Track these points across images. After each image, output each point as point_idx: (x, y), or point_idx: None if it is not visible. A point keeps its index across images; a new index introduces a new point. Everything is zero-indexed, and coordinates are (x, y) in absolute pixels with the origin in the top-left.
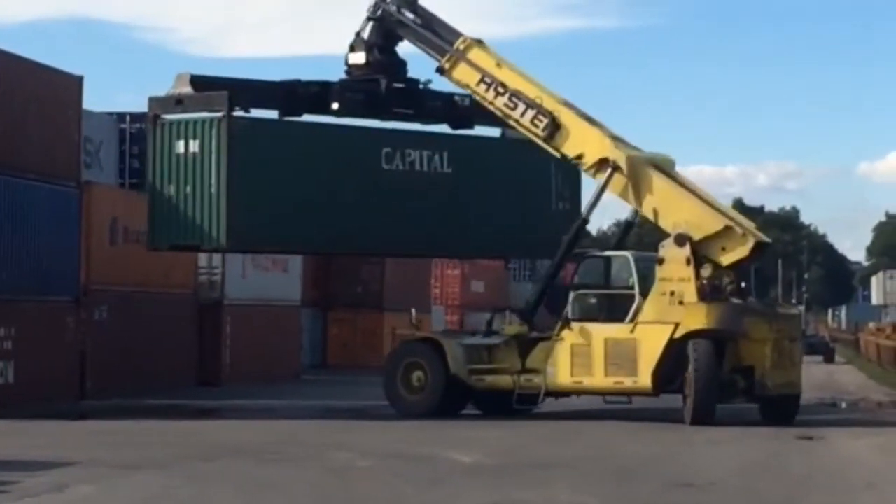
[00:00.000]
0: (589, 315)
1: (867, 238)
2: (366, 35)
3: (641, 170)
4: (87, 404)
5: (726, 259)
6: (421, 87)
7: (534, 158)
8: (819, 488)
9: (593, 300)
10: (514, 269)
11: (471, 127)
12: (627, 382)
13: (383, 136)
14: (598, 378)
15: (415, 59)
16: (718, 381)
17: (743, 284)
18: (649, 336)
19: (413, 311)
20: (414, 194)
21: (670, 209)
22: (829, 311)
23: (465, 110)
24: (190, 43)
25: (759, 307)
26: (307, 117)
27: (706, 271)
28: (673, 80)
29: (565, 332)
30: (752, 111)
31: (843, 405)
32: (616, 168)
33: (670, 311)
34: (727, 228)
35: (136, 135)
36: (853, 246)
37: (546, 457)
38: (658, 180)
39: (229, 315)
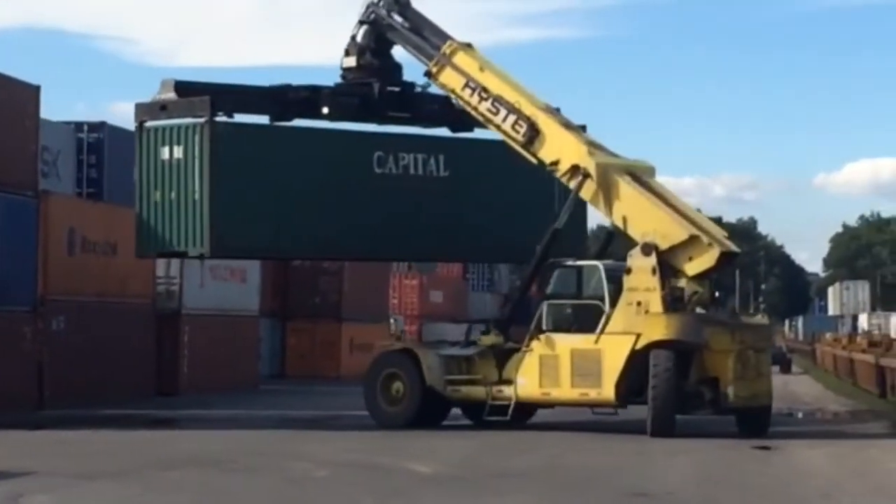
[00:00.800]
0: (561, 326)
1: (824, 249)
2: (359, 38)
3: (612, 177)
4: (45, 414)
5: (692, 269)
6: (418, 90)
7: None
8: (775, 498)
9: (566, 311)
10: (473, 279)
11: (470, 130)
12: (592, 394)
13: (375, 139)
14: (565, 389)
15: (413, 62)
16: (682, 393)
17: (717, 294)
18: (613, 347)
19: (393, 320)
20: (408, 198)
21: (639, 218)
22: (786, 322)
23: (463, 113)
24: (148, 53)
25: (723, 318)
26: (297, 122)
27: (680, 282)
28: (633, 91)
29: (534, 343)
30: (710, 123)
31: (800, 415)
32: (586, 175)
33: (636, 321)
34: (693, 238)
35: (94, 144)
36: (810, 257)
37: (504, 467)
38: (627, 188)
39: (187, 325)
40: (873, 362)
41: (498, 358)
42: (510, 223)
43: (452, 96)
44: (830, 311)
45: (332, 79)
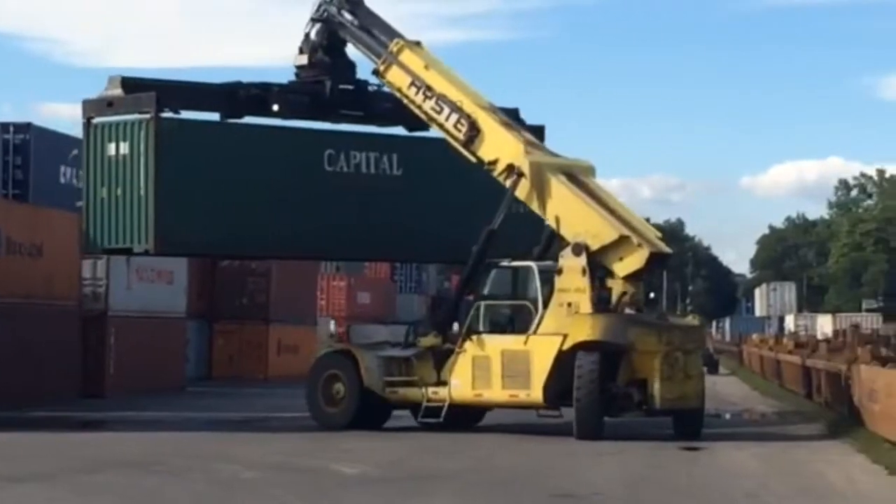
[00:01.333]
0: (496, 327)
1: (751, 251)
2: (312, 36)
3: (545, 176)
4: None
5: (622, 269)
6: (372, 89)
7: None
8: (701, 499)
9: (498, 312)
10: (401, 280)
11: (426, 129)
12: (521, 395)
13: (326, 137)
14: (496, 391)
15: (366, 61)
16: (609, 394)
17: (651, 295)
18: (541, 348)
19: (332, 322)
20: (359, 197)
21: (570, 218)
22: (714, 323)
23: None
24: (76, 54)
25: (650, 319)
26: (248, 119)
27: (612, 282)
28: (559, 93)
29: (467, 344)
30: (637, 125)
31: (728, 416)
32: (520, 174)
33: (566, 322)
34: (623, 238)
35: (20, 145)
36: (737, 258)
37: (431, 468)
38: (560, 188)
39: (113, 326)
40: (799, 363)
41: (436, 359)
42: (465, 223)
43: (399, 95)
44: (757, 313)
45: (255, 79)
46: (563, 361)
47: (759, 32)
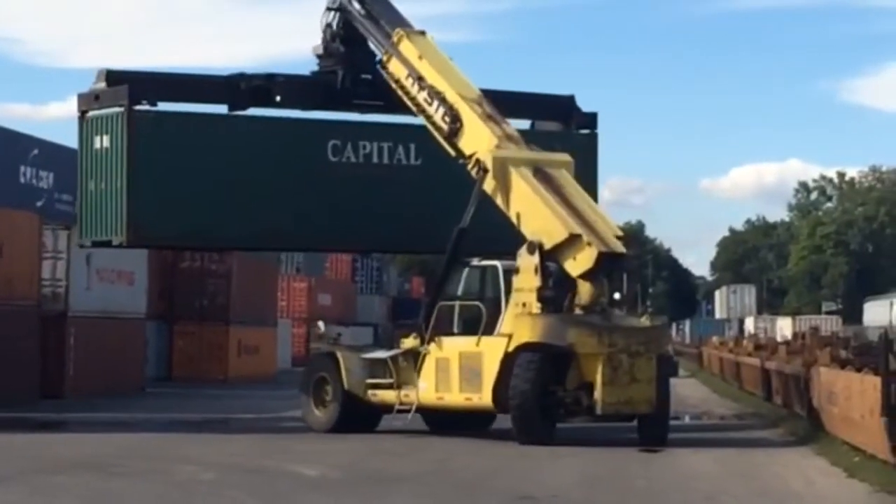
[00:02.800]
0: (468, 328)
1: (711, 253)
2: (333, 26)
3: (508, 172)
4: None
5: (574, 269)
6: None
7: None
8: (660, 501)
9: (458, 312)
10: (362, 282)
11: None
12: (475, 399)
13: (330, 127)
14: (455, 394)
15: None
16: (556, 398)
17: (616, 296)
18: (491, 350)
19: (320, 323)
20: (370, 188)
21: (529, 215)
22: (674, 325)
23: None
24: (38, 54)
25: (591, 320)
26: (230, 110)
27: (584, 287)
28: None
29: (432, 346)
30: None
31: (686, 419)
32: (485, 169)
33: (514, 323)
34: (573, 237)
35: None
36: (697, 261)
37: (390, 471)
38: (521, 184)
39: (73, 327)
40: (759, 365)
41: (416, 361)
42: (489, 213)
43: (397, 87)
44: (717, 315)
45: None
46: (509, 364)
47: (719, 36)
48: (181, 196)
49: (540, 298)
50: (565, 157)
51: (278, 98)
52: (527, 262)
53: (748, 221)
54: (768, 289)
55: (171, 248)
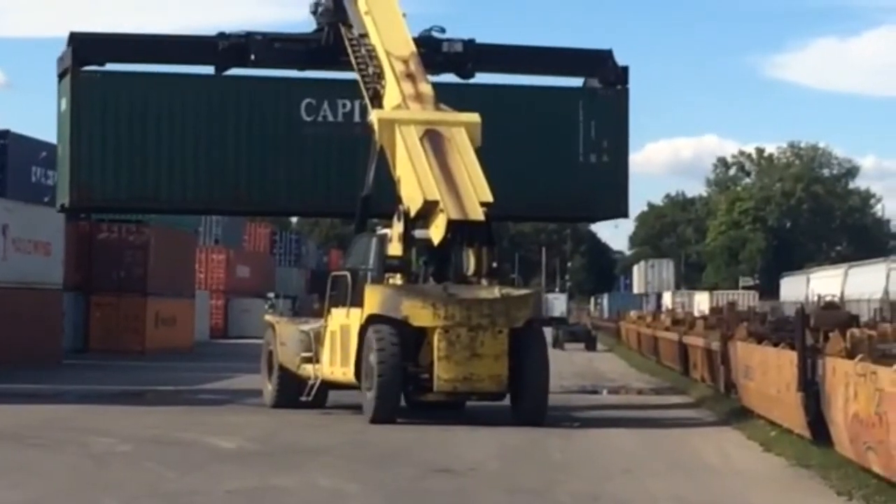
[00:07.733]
0: (358, 300)
1: (630, 227)
2: None
3: (392, 134)
4: None
5: (435, 237)
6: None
7: (552, 106)
8: (577, 474)
9: (343, 283)
10: (280, 254)
11: (470, 76)
12: (348, 374)
13: (304, 85)
14: (336, 368)
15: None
16: (406, 374)
17: (494, 265)
18: (354, 323)
19: (270, 295)
20: (352, 148)
21: (404, 180)
22: (592, 300)
23: (456, 56)
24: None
25: (429, 290)
26: (197, 69)
27: (470, 258)
28: None
29: (329, 319)
30: None
31: (605, 393)
32: (372, 130)
33: None
34: (428, 203)
35: None
36: (615, 234)
37: (307, 443)
38: (401, 148)
39: None
40: (676, 340)
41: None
42: (516, 175)
43: (348, 44)
44: (635, 290)
45: None
46: (364, 337)
47: (640, 7)
48: (128, 158)
49: (388, 268)
50: (470, 117)
51: (252, 57)
52: (396, 230)
53: (667, 196)
54: (686, 263)
55: (119, 210)
